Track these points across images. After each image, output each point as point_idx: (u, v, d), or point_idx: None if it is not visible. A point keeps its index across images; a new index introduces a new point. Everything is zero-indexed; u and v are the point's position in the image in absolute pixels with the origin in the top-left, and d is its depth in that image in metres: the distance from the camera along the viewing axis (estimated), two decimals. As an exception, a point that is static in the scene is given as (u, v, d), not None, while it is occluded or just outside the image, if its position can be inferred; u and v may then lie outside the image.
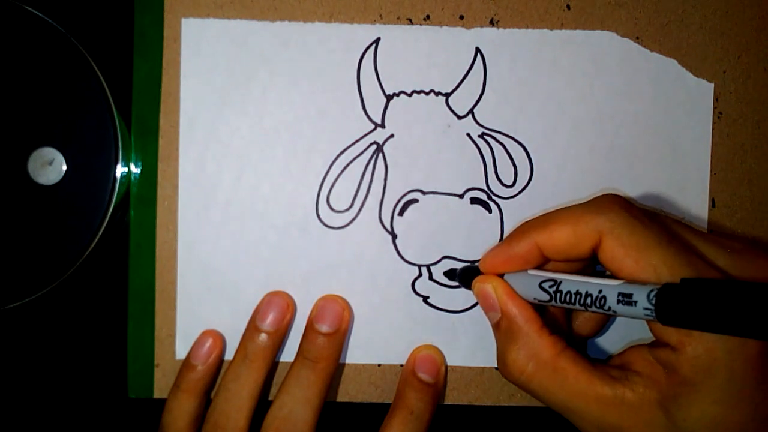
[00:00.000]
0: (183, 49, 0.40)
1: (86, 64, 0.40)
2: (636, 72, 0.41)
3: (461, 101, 0.41)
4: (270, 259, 0.41)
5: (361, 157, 0.41)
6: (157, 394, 0.41)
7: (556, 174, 0.41)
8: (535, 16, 0.41)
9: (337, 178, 0.41)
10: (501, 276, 0.37)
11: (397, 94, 0.41)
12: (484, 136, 0.41)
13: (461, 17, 0.41)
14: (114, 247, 0.41)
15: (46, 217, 0.40)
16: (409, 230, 0.41)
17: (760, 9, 0.41)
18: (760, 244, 0.41)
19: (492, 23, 0.41)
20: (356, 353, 0.41)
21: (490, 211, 0.41)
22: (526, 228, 0.36)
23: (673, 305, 0.29)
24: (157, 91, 0.40)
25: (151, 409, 0.41)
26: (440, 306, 0.41)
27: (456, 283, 0.41)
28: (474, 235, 0.41)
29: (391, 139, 0.41)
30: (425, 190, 0.41)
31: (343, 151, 0.41)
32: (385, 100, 0.41)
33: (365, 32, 0.41)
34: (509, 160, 0.41)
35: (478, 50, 0.41)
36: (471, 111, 0.41)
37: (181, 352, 0.41)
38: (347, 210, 0.41)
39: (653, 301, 0.30)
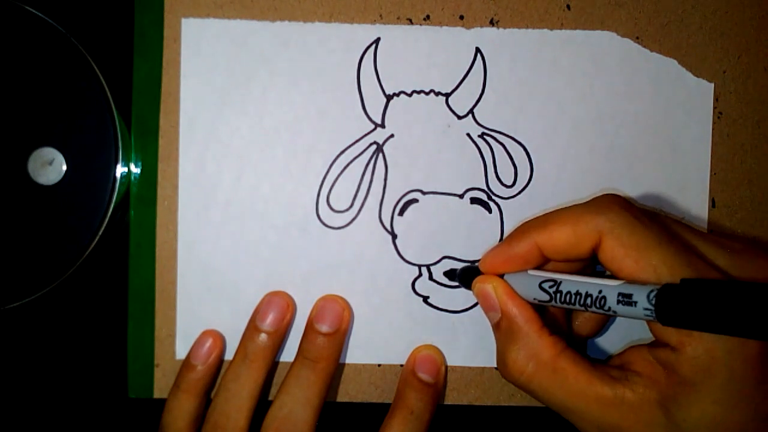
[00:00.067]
0: (183, 49, 0.40)
1: (86, 64, 0.40)
2: (636, 72, 0.41)
3: (461, 101, 0.41)
4: (270, 259, 0.41)
5: (361, 157, 0.41)
6: (157, 394, 0.41)
7: (556, 174, 0.41)
8: (535, 16, 0.41)
9: (337, 178, 0.41)
10: (501, 276, 0.37)
11: (397, 94, 0.41)
12: (484, 136, 0.41)
13: (461, 17, 0.41)
14: (114, 247, 0.41)
15: (46, 217, 0.40)
16: (409, 230, 0.41)
17: (760, 9, 0.41)
18: (760, 244, 0.41)
19: (492, 23, 0.41)
20: (356, 353, 0.41)
21: (490, 211, 0.41)
22: (526, 228, 0.36)
23: (672, 305, 0.29)
24: (157, 91, 0.40)
25: (151, 409, 0.41)
26: (440, 306, 0.41)
27: (456, 283, 0.41)
28: (474, 235, 0.41)
29: (391, 139, 0.41)
30: (425, 190, 0.41)
31: (343, 151, 0.41)
32: (385, 100, 0.41)
33: (365, 32, 0.41)
34: (509, 160, 0.41)
35: (478, 50, 0.41)
36: (471, 111, 0.41)
37: (181, 352, 0.41)
38: (347, 210, 0.41)
39: (653, 302, 0.30)
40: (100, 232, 0.40)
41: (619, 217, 0.33)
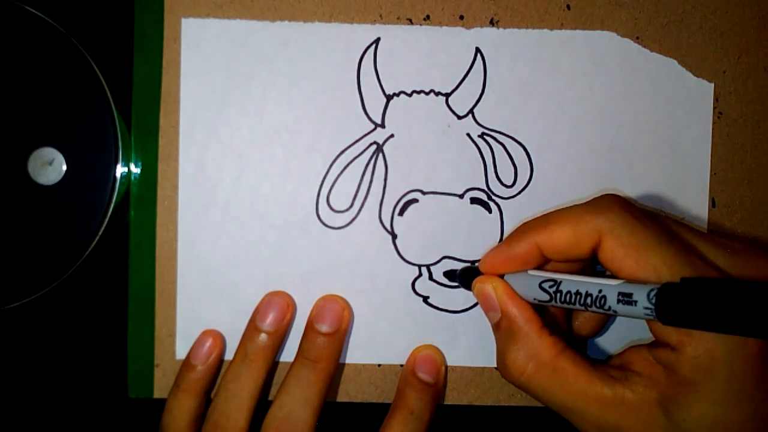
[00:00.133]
0: (183, 49, 0.40)
1: (86, 64, 0.40)
2: (636, 72, 0.41)
3: (461, 101, 0.41)
4: (270, 259, 0.41)
5: (361, 157, 0.41)
6: (157, 394, 0.41)
7: (556, 174, 0.41)
8: (535, 16, 0.41)
9: (337, 178, 0.41)
10: (501, 276, 0.37)
11: (397, 94, 0.41)
12: (484, 136, 0.41)
13: (461, 17, 0.41)
14: (114, 247, 0.41)
15: (46, 217, 0.40)
16: (409, 230, 0.41)
17: (760, 9, 0.41)
18: (760, 244, 0.41)
19: (492, 23, 0.41)
20: (356, 353, 0.41)
21: (490, 211, 0.41)
22: (526, 228, 0.36)
23: (673, 304, 0.29)
24: (157, 91, 0.40)
25: (151, 409, 0.41)
26: (440, 306, 0.41)
27: (456, 283, 0.41)
28: (474, 235, 0.41)
29: (391, 139, 0.41)
30: (425, 190, 0.41)
31: (343, 151, 0.41)
32: (385, 100, 0.41)
33: (365, 32, 0.41)
34: (509, 160, 0.41)
35: (478, 50, 0.41)
36: (471, 111, 0.41)
37: (181, 352, 0.41)
38: (347, 210, 0.41)
39: (653, 301, 0.30)
40: (100, 232, 0.40)
41: (619, 217, 0.33)
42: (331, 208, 0.41)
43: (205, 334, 0.40)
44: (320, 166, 0.41)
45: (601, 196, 0.36)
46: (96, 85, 0.40)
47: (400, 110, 0.41)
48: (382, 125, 0.41)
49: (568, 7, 0.41)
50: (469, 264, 0.41)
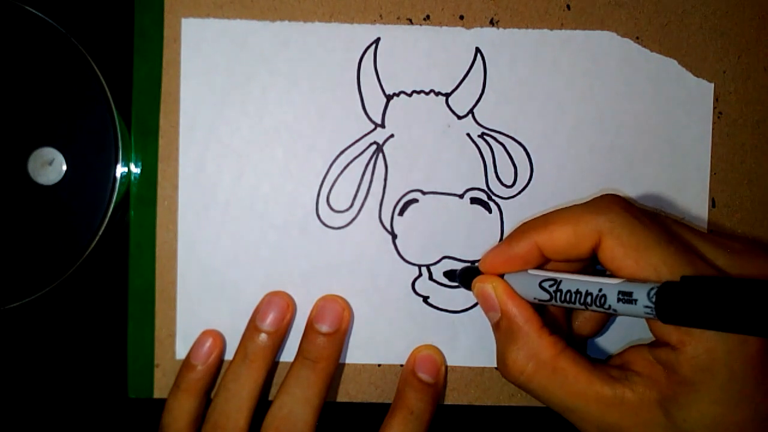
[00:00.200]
0: (183, 49, 0.40)
1: (86, 64, 0.40)
2: (636, 72, 0.41)
3: (461, 101, 0.41)
4: (270, 259, 0.41)
5: (361, 157, 0.41)
6: (157, 394, 0.41)
7: (556, 174, 0.41)
8: (535, 16, 0.41)
9: (337, 178, 0.41)
10: (501, 276, 0.37)
11: (397, 94, 0.41)
12: (484, 136, 0.41)
13: (461, 17, 0.41)
14: (114, 247, 0.41)
15: (46, 217, 0.40)
16: (409, 230, 0.41)
17: (760, 9, 0.41)
18: (760, 244, 0.41)
19: (492, 23, 0.41)
20: (356, 353, 0.41)
21: (490, 211, 0.41)
22: (526, 228, 0.36)
23: (673, 303, 0.29)
24: (157, 91, 0.40)
25: (151, 409, 0.41)
26: (440, 306, 0.41)
27: (456, 283, 0.41)
28: (474, 235, 0.41)
29: (391, 139, 0.41)
30: (425, 190, 0.41)
31: (343, 151, 0.41)
32: (385, 100, 0.41)
33: (365, 32, 0.41)
34: (509, 160, 0.41)
35: (478, 50, 0.41)
36: (471, 111, 0.41)
37: (181, 352, 0.41)
38: (347, 210, 0.41)
39: (653, 299, 0.30)
40: (100, 232, 0.40)
41: (619, 217, 0.33)
42: (331, 208, 0.41)
43: (205, 334, 0.40)
44: (320, 166, 0.41)
45: (601, 196, 0.36)
46: (96, 85, 0.40)
47: (400, 110, 0.41)
48: (382, 125, 0.41)
49: (568, 7, 0.41)
50: (469, 264, 0.41)
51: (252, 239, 0.41)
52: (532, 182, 0.41)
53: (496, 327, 0.36)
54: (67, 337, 0.43)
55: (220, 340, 0.41)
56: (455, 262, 0.41)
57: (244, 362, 0.39)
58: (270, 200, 0.41)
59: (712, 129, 0.41)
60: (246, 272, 0.41)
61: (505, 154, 0.41)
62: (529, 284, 0.35)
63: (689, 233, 0.34)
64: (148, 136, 0.40)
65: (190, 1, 0.40)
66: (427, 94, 0.41)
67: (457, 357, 0.41)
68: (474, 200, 0.41)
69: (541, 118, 0.41)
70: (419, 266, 0.41)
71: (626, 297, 0.31)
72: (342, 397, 0.42)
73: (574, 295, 0.33)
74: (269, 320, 0.39)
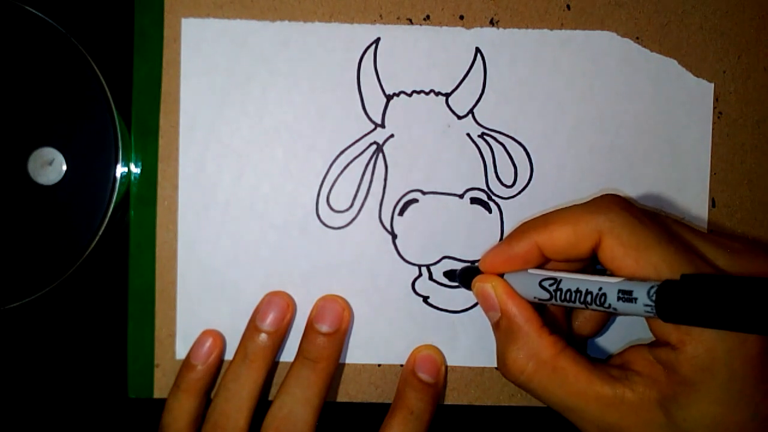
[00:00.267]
0: (183, 49, 0.40)
1: (86, 64, 0.40)
2: (636, 72, 0.41)
3: (461, 101, 0.41)
4: (270, 259, 0.41)
5: (361, 157, 0.41)
6: (157, 394, 0.41)
7: (556, 174, 0.41)
8: (535, 16, 0.41)
9: (337, 178, 0.41)
10: (501, 275, 0.37)
11: (397, 94, 0.41)
12: (484, 136, 0.41)
13: (461, 17, 0.41)
14: (114, 247, 0.41)
15: (46, 217, 0.40)
16: (409, 230, 0.41)
17: (760, 9, 0.41)
18: (760, 244, 0.41)
19: (492, 23, 0.41)
20: (356, 353, 0.41)
21: (490, 211, 0.41)
22: (526, 228, 0.36)
23: (673, 301, 0.29)
24: (157, 91, 0.40)
25: (151, 409, 0.41)
26: (440, 306, 0.41)
27: (456, 283, 0.41)
28: (474, 235, 0.41)
29: (391, 139, 0.41)
30: (425, 190, 0.41)
31: (343, 151, 0.41)
32: (385, 100, 0.41)
33: (365, 32, 0.41)
34: (509, 160, 0.41)
35: (478, 50, 0.41)
36: (471, 111, 0.41)
37: (181, 352, 0.41)
38: (347, 210, 0.41)
39: (653, 298, 0.30)
40: (100, 232, 0.40)
41: (619, 216, 0.33)
42: (331, 208, 0.41)
43: (205, 334, 0.40)
44: (320, 166, 0.41)
45: (601, 195, 0.36)
46: (96, 85, 0.40)
47: (400, 110, 0.41)
48: (382, 125, 0.41)
49: (568, 7, 0.41)
50: (469, 264, 0.41)
51: (252, 239, 0.41)
52: (532, 182, 0.41)
53: (496, 326, 0.36)
54: (67, 337, 0.43)
55: (220, 340, 0.41)
56: (455, 262, 0.41)
57: (244, 362, 0.39)
58: (270, 200, 0.41)
59: (712, 129, 0.41)
60: (246, 272, 0.41)
61: (505, 154, 0.41)
62: (529, 283, 0.35)
63: (689, 233, 0.34)
64: (148, 136, 0.40)
65: (190, 1, 0.40)
66: (427, 94, 0.41)
67: (457, 357, 0.41)
68: (474, 200, 0.41)
69: (541, 118, 0.41)
70: (419, 266, 0.41)
71: (626, 295, 0.31)
72: (342, 397, 0.41)
73: (574, 294, 0.33)
74: (269, 320, 0.39)
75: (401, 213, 0.41)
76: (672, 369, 0.32)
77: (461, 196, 0.41)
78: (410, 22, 0.41)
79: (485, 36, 0.41)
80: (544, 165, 0.41)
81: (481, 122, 0.41)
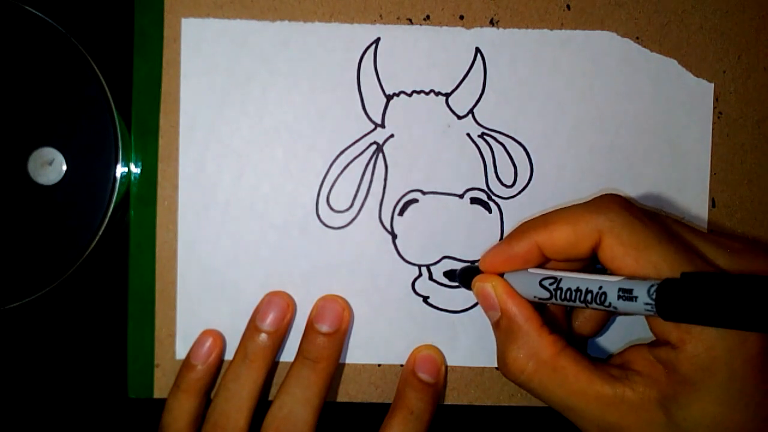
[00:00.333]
0: (183, 49, 0.40)
1: (86, 64, 0.40)
2: (636, 72, 0.41)
3: (461, 101, 0.41)
4: (270, 259, 0.41)
5: (361, 157, 0.41)
6: (157, 394, 0.41)
7: (556, 174, 0.41)
8: (535, 16, 0.41)
9: (337, 178, 0.41)
10: (501, 275, 0.37)
11: (397, 94, 0.41)
12: (484, 136, 0.41)
13: (461, 17, 0.41)
14: (114, 247, 0.41)
15: (46, 217, 0.40)
16: (409, 230, 0.41)
17: (760, 9, 0.41)
18: (760, 244, 0.41)
19: (492, 23, 0.41)
20: (356, 353, 0.41)
21: (490, 211, 0.41)
22: (526, 228, 0.36)
23: (673, 299, 0.29)
24: (157, 91, 0.40)
25: (151, 409, 0.41)
26: (440, 306, 0.41)
27: (456, 283, 0.41)
28: (474, 235, 0.41)
29: (391, 139, 0.41)
30: (425, 190, 0.41)
31: (343, 151, 0.41)
32: (385, 100, 0.41)
33: (365, 32, 0.41)
34: (509, 160, 0.41)
35: (478, 50, 0.41)
36: (471, 111, 0.41)
37: (181, 352, 0.41)
38: (347, 210, 0.41)
39: (654, 296, 0.30)
40: (100, 232, 0.40)
41: (619, 216, 0.33)
42: (331, 208, 0.41)
43: (205, 334, 0.40)
44: (320, 166, 0.41)
45: (601, 195, 0.36)
46: (96, 85, 0.40)
47: (400, 110, 0.41)
48: (382, 125, 0.41)
49: (568, 7, 0.41)
50: (469, 264, 0.41)
51: (252, 239, 0.41)
52: (532, 182, 0.41)
53: (496, 326, 0.36)
54: (67, 337, 0.43)
55: (220, 340, 0.41)
56: (455, 262, 0.41)
57: (244, 362, 0.39)
58: (270, 200, 0.41)
59: (712, 129, 0.41)
60: (246, 272, 0.41)
61: (505, 154, 0.41)
62: (529, 283, 0.35)
63: (689, 233, 0.34)
64: (148, 136, 0.40)
65: (190, 1, 0.40)
66: (427, 94, 0.41)
67: (457, 357, 0.41)
68: (474, 200, 0.41)
69: (541, 118, 0.41)
70: (419, 266, 0.41)
71: (626, 294, 0.31)
72: (342, 397, 0.41)
73: (574, 293, 0.33)
74: (269, 320, 0.39)
75: (401, 213, 0.41)
76: (672, 368, 0.32)
77: (461, 196, 0.41)
78: (410, 22, 0.41)
79: (485, 36, 0.41)
80: (544, 165, 0.41)
81: (481, 122, 0.41)
